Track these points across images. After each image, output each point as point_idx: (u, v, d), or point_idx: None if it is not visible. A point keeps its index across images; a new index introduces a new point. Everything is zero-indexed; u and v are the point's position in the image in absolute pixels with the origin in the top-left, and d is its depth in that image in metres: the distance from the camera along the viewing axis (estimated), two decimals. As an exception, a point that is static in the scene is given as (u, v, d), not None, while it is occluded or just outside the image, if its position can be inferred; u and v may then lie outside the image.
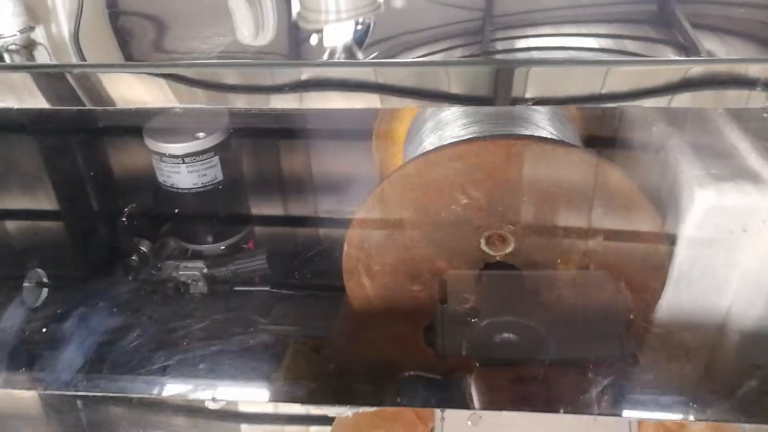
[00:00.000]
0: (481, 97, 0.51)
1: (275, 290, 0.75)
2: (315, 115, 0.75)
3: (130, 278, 0.75)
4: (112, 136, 0.83)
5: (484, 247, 0.58)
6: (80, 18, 0.63)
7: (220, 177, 0.73)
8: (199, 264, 0.76)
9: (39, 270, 0.78)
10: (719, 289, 0.54)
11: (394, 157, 0.76)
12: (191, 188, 0.72)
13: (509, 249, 0.58)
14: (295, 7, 0.58)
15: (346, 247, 0.60)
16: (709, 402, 0.53)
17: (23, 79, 0.54)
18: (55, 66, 0.54)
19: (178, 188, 0.72)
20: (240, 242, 0.80)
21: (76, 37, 0.60)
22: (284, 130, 0.79)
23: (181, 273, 0.76)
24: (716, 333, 0.56)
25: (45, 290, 0.77)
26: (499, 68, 0.49)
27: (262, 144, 0.80)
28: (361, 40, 0.52)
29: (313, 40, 0.53)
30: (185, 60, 0.53)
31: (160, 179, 0.73)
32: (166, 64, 0.53)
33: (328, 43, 0.52)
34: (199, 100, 0.52)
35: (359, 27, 0.53)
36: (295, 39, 0.57)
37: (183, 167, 0.70)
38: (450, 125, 0.64)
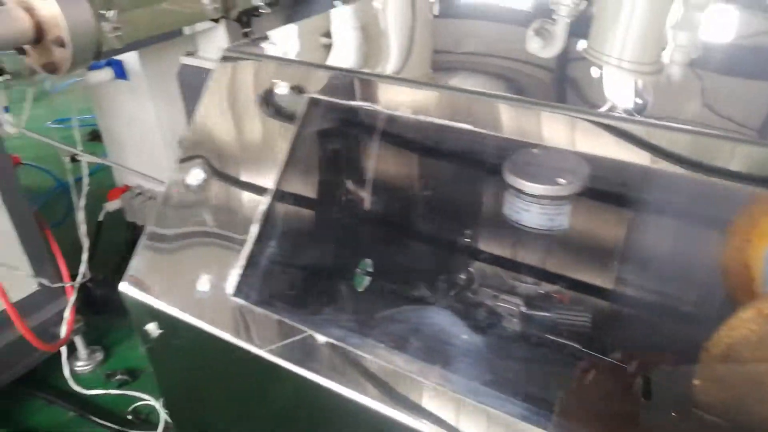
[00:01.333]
0: None
1: (585, 350, 0.74)
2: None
3: (453, 294, 0.80)
4: (463, 163, 0.89)
5: None
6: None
7: (565, 225, 0.73)
8: (518, 300, 0.78)
9: (368, 260, 0.87)
10: None
11: (754, 254, 0.69)
12: (535, 229, 0.74)
13: None
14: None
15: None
16: None
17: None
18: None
19: (522, 225, 0.75)
20: (557, 292, 0.80)
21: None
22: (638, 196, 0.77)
23: (498, 304, 0.78)
24: None
25: (369, 278, 0.86)
26: None
27: (617, 201, 0.78)
28: None
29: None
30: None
31: (507, 213, 0.76)
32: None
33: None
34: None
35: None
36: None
37: (535, 207, 0.72)
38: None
